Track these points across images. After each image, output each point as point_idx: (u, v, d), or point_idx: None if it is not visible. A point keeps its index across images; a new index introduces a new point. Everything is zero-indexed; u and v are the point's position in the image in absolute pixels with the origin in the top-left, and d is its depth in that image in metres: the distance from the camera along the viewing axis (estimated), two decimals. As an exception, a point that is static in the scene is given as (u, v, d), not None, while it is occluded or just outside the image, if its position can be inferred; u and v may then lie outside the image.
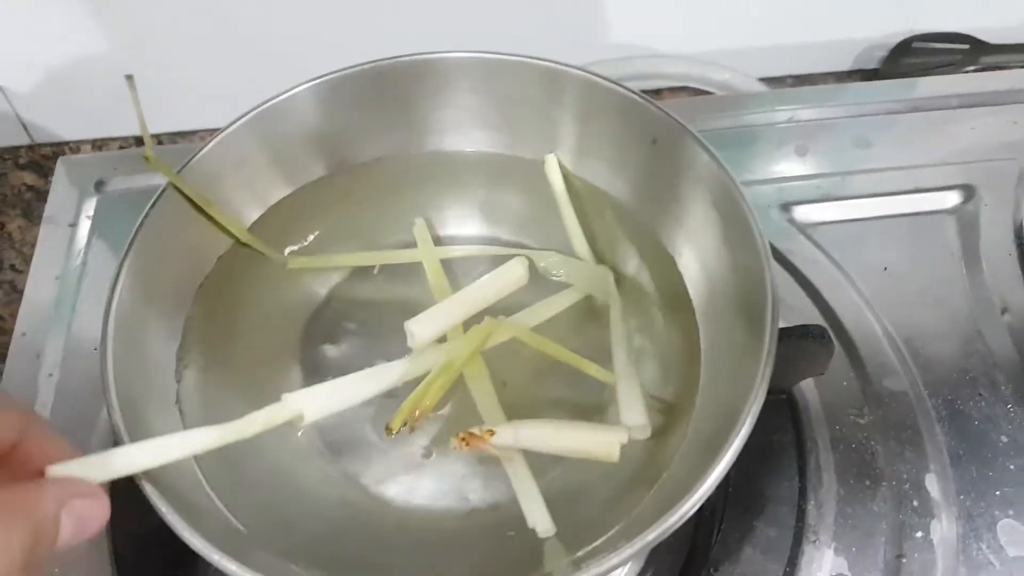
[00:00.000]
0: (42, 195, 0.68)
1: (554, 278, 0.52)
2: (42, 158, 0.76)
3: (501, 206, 0.55)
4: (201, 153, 0.47)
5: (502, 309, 0.50)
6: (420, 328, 0.46)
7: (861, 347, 0.56)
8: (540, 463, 0.45)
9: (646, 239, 0.50)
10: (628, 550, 0.35)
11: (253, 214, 0.52)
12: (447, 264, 0.53)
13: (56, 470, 0.34)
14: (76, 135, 0.77)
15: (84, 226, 0.66)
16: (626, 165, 0.51)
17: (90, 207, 0.68)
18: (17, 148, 0.77)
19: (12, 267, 0.69)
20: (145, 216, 0.45)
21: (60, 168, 0.71)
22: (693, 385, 0.44)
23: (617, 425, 0.44)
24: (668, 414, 0.45)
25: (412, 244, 0.54)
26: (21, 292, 0.62)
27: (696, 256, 0.48)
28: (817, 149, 0.68)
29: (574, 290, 0.51)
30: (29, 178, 0.75)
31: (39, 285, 0.63)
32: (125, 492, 0.48)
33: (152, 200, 0.46)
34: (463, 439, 0.43)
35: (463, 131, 0.54)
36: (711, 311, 0.46)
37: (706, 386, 0.44)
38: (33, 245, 0.65)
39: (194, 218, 0.48)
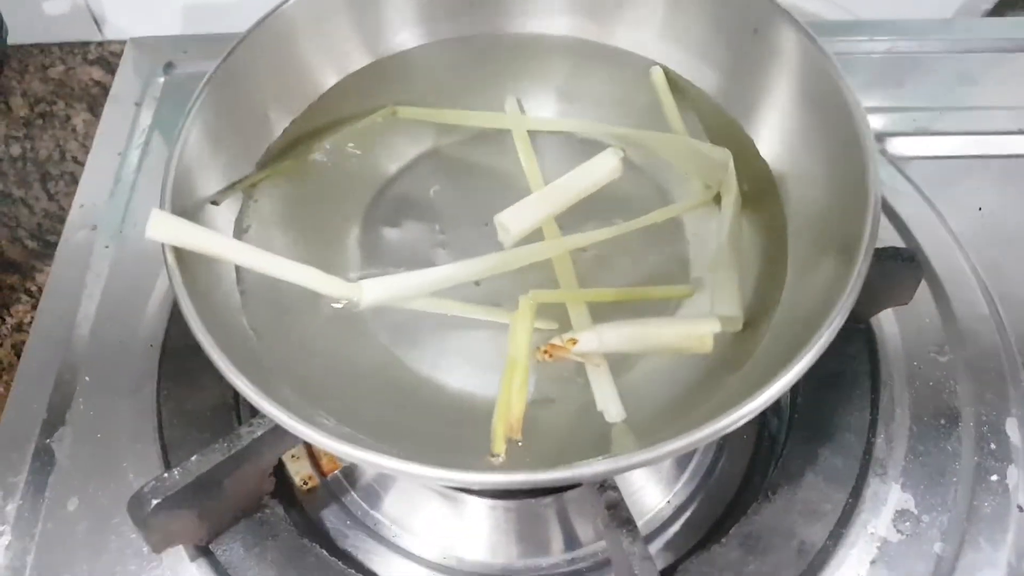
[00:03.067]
0: (109, 91, 0.68)
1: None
2: (111, 55, 0.75)
3: (588, 92, 0.52)
4: (282, 8, 0.46)
5: (602, 204, 0.47)
6: (512, 221, 0.44)
7: (947, 284, 0.53)
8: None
9: (736, 136, 0.48)
10: (684, 440, 0.33)
11: (329, 80, 0.50)
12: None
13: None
14: (146, 32, 0.75)
15: (150, 106, 0.66)
16: (722, 55, 0.48)
17: (157, 88, 0.67)
18: (87, 43, 0.76)
19: (74, 159, 0.68)
20: (215, 70, 0.44)
21: (130, 48, 0.70)
22: (778, 289, 0.42)
23: (706, 315, 0.42)
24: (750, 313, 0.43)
25: (486, 142, 0.51)
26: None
27: (790, 156, 0.45)
28: (916, 82, 0.65)
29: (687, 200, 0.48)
30: (97, 73, 0.74)
31: (101, 159, 0.62)
32: (171, 369, 0.49)
33: (224, 54, 0.44)
34: (546, 351, 0.40)
35: (549, 14, 0.52)
36: (804, 212, 0.44)
37: (791, 288, 0.42)
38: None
39: (267, 78, 0.47)
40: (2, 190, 0.66)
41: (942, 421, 0.48)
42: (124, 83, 0.68)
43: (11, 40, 0.73)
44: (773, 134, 0.47)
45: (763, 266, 0.44)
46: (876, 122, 0.62)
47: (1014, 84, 0.64)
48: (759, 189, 0.46)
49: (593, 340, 0.40)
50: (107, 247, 0.57)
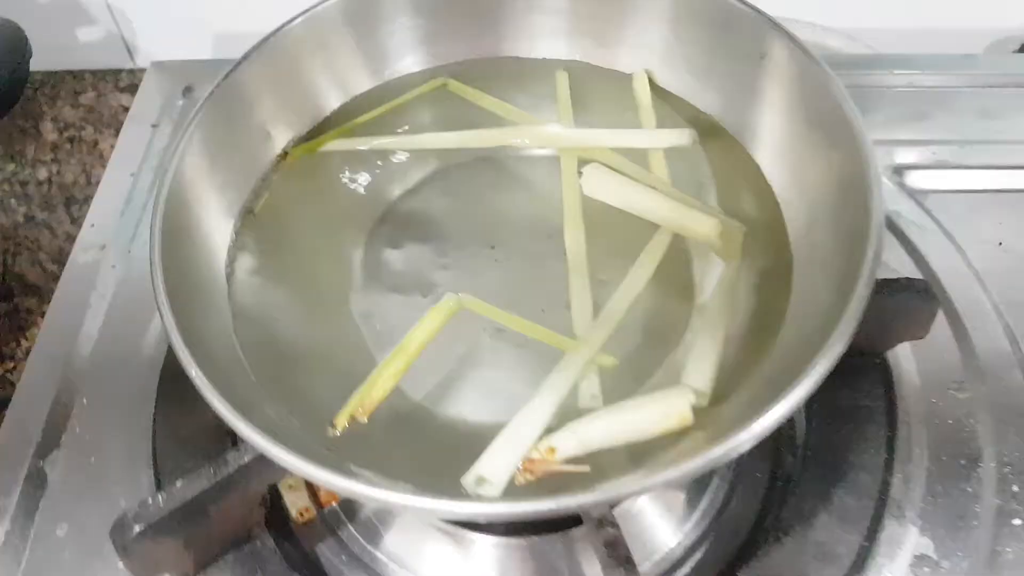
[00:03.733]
0: (133, 115, 0.68)
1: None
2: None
3: (588, 119, 0.51)
4: (286, 28, 0.46)
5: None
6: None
7: (966, 319, 0.51)
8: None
9: (740, 159, 0.47)
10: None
11: (332, 103, 0.50)
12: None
13: None
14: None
15: (167, 128, 0.66)
16: (728, 82, 0.47)
17: (175, 111, 0.67)
18: (119, 71, 0.77)
19: (99, 183, 0.68)
20: (208, 96, 0.44)
21: (151, 71, 0.70)
22: (777, 325, 0.40)
23: (678, 385, 0.39)
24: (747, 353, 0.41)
25: (491, 162, 0.50)
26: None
27: (795, 183, 0.44)
28: (937, 116, 0.63)
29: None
30: (127, 100, 0.75)
31: (114, 180, 0.63)
32: (169, 394, 0.48)
33: (217, 81, 0.44)
34: (526, 469, 0.37)
35: (553, 38, 0.51)
36: (808, 240, 0.42)
37: (792, 324, 0.40)
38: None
39: (268, 98, 0.47)
40: (26, 212, 0.66)
41: (962, 461, 0.46)
42: (143, 105, 0.68)
43: (45, 67, 0.75)
44: (777, 159, 0.46)
45: (767, 297, 0.42)
46: (896, 155, 0.61)
47: (1034, 119, 0.63)
48: (764, 216, 0.45)
49: (571, 443, 0.37)
50: (114, 267, 0.57)
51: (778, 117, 0.46)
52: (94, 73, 0.76)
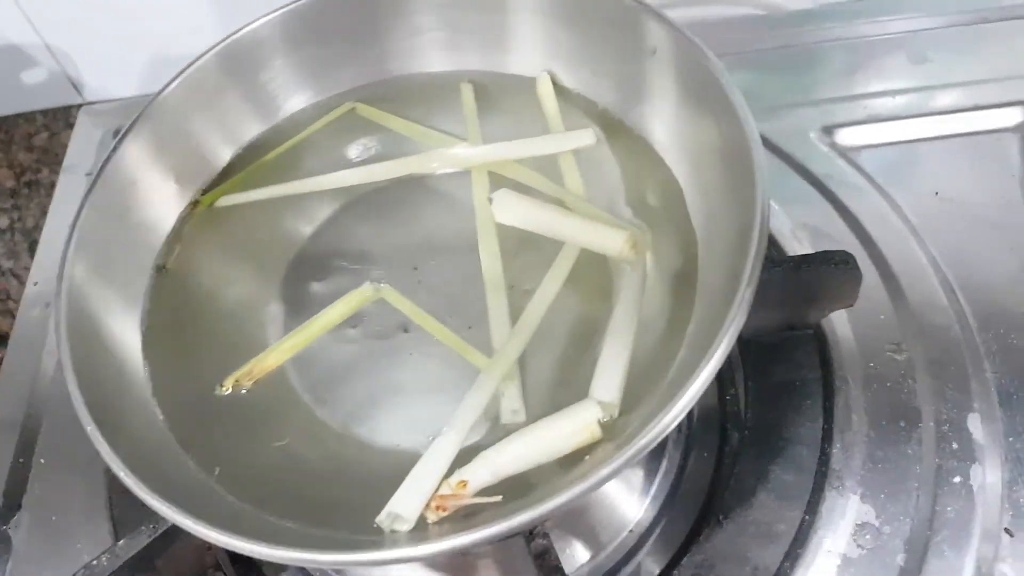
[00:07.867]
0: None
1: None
2: (94, 116, 0.75)
3: (496, 130, 0.50)
4: (167, 91, 0.46)
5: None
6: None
7: (902, 278, 0.51)
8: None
9: (646, 155, 0.46)
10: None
11: (225, 155, 0.50)
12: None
13: None
14: (128, 92, 0.76)
15: (103, 175, 0.66)
16: (621, 75, 0.47)
17: (108, 156, 0.67)
18: (69, 108, 0.77)
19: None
20: (97, 173, 0.44)
21: (82, 117, 0.71)
22: (685, 321, 0.40)
23: (585, 399, 0.38)
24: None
25: (407, 183, 0.49)
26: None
27: (695, 172, 0.44)
28: (867, 67, 0.63)
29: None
30: (80, 137, 0.75)
31: (55, 235, 0.63)
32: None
33: (106, 155, 0.45)
34: (438, 507, 0.36)
35: (442, 53, 0.51)
36: (710, 233, 0.42)
37: (700, 316, 0.40)
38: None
39: (157, 168, 0.47)
40: (-8, 263, 0.67)
41: (901, 423, 0.46)
42: (76, 153, 0.68)
43: (-4, 113, 0.75)
44: (677, 149, 0.45)
45: (675, 297, 0.42)
46: (826, 115, 0.60)
47: (968, 58, 0.62)
48: (672, 211, 0.44)
49: (484, 471, 0.37)
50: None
51: (670, 105, 0.45)
52: (44, 113, 0.76)
